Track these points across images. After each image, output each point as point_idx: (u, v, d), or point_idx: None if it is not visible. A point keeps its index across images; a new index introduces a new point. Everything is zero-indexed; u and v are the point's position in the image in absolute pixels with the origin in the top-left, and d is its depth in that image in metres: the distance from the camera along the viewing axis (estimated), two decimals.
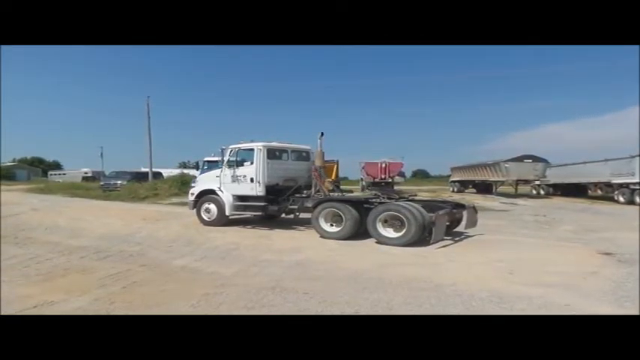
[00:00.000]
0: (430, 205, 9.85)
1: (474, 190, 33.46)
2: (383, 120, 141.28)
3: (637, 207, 20.04)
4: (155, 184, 26.32)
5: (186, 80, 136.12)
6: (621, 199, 22.37)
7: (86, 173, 55.20)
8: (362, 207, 9.79)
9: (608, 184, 24.25)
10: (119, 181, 28.50)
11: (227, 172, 11.75)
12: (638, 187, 21.22)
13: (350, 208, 9.70)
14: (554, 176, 29.00)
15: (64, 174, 59.38)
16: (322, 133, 11.81)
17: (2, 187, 32.73)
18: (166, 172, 34.61)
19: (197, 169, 17.27)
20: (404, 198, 10.54)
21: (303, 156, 12.61)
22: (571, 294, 5.27)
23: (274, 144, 11.91)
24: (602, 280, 6.02)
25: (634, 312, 4.59)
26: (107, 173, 39.76)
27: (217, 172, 12.14)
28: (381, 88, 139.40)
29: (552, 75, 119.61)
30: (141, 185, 25.76)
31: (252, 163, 11.36)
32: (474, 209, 10.96)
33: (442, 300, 5.05)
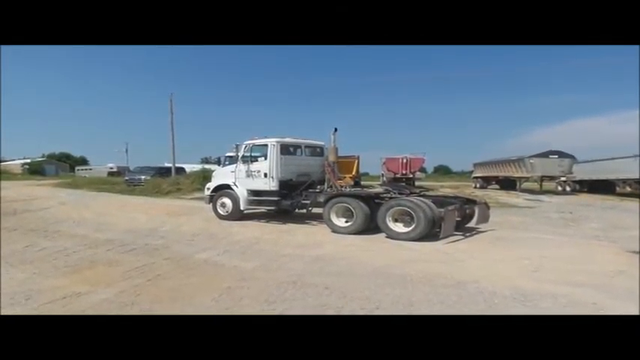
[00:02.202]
0: (440, 201, 9.84)
1: (497, 187, 32.85)
2: (405, 116, 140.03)
3: None
4: (178, 179, 26.66)
5: (209, 78, 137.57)
6: None
7: (111, 168, 56.43)
8: (373, 202, 9.86)
9: (638, 181, 23.48)
10: (143, 177, 28.95)
11: (242, 167, 11.93)
12: None
13: (361, 203, 9.76)
14: (581, 172, 28.20)
15: (91, 169, 60.85)
16: (336, 129, 11.86)
17: (33, 181, 33.83)
18: (189, 168, 35.06)
19: (219, 165, 17.47)
20: (415, 193, 10.51)
21: (317, 152, 12.67)
22: (598, 293, 5.14)
23: (288, 140, 12.00)
24: (630, 279, 5.84)
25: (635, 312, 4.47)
26: (132, 168, 40.50)
27: (232, 167, 12.34)
28: (403, 83, 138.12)
29: (579, 69, 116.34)
30: (164, 180, 26.14)
31: (265, 158, 11.49)
32: (486, 205, 10.84)
33: (464, 297, 5.00)
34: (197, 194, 21.35)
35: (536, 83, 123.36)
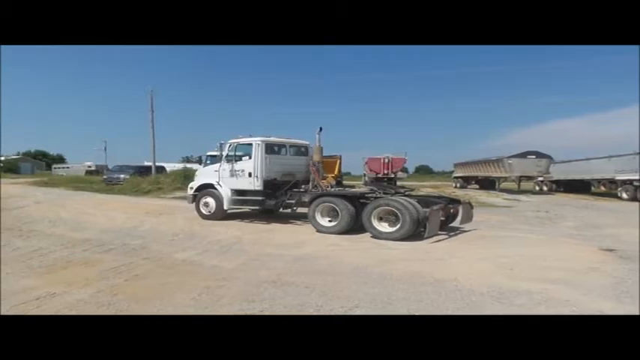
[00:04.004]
0: (425, 200, 9.89)
1: (477, 187, 33.39)
2: (387, 116, 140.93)
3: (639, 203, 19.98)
4: (158, 179, 26.35)
5: (190, 75, 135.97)
6: (624, 195, 22.32)
7: (90, 167, 55.41)
8: (358, 202, 9.85)
9: (612, 181, 24.16)
10: (122, 175, 28.53)
11: (226, 166, 11.82)
12: None
13: (346, 202, 9.75)
14: (558, 173, 28.91)
15: (68, 167, 59.68)
16: (321, 129, 11.85)
17: (8, 180, 32.91)
18: (169, 167, 34.66)
19: (200, 164, 17.31)
20: (400, 193, 10.56)
21: (301, 151, 12.63)
22: (571, 290, 5.27)
23: (272, 139, 11.94)
24: (603, 276, 6.01)
25: (634, 309, 4.59)
26: (110, 167, 39.82)
27: (216, 166, 12.23)
28: (385, 83, 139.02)
29: (557, 71, 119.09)
30: (144, 179, 25.80)
31: (250, 157, 11.41)
32: (470, 205, 10.96)
33: (442, 295, 5.07)
34: (178, 193, 21.15)
35: (517, 85, 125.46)
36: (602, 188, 26.08)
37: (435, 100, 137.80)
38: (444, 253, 7.65)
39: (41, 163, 71.41)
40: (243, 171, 11.54)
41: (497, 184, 30.19)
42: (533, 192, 29.39)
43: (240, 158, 11.64)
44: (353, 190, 11.21)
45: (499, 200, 21.52)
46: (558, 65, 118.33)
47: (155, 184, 24.34)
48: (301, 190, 11.36)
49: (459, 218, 10.53)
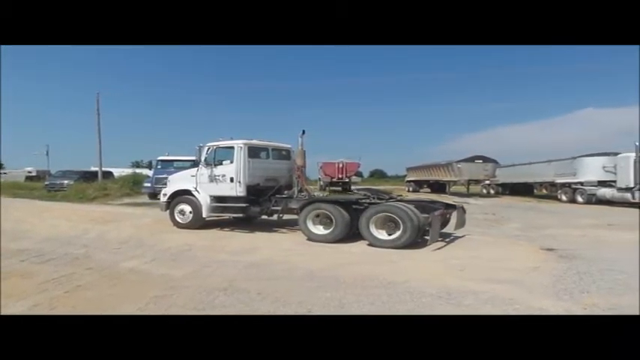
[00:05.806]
0: (422, 206, 9.49)
1: (429, 190, 34.37)
2: (342, 120, 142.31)
3: (577, 205, 21.30)
4: (105, 184, 25.28)
5: (139, 77, 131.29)
6: (564, 197, 23.72)
7: (30, 172, 52.25)
8: (351, 208, 9.40)
9: (552, 184, 25.66)
10: (66, 181, 27.19)
11: (204, 171, 11.11)
12: (579, 187, 22.54)
13: (340, 209, 9.24)
14: (503, 176, 30.33)
15: (5, 173, 55.90)
16: (304, 131, 11.29)
17: None
18: (118, 172, 33.31)
19: (150, 169, 16.76)
20: (393, 198, 10.29)
21: (283, 155, 12.16)
22: (515, 289, 5.49)
23: (255, 142, 11.35)
24: (544, 275, 6.32)
25: (570, 305, 4.83)
26: (53, 172, 37.79)
27: (193, 171, 11.52)
28: (339, 88, 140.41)
29: (505, 77, 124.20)
30: (90, 185, 24.64)
31: (231, 161, 10.82)
32: (463, 209, 10.61)
33: (393, 297, 5.14)
34: (127, 200, 20.36)
35: (468, 91, 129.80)
36: (544, 191, 27.67)
37: (386, 105, 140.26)
38: (396, 256, 7.76)
39: None
40: (224, 176, 10.85)
41: (447, 187, 31.24)
42: (480, 195, 30.64)
43: (220, 162, 10.99)
44: (347, 195, 10.91)
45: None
46: (502, 72, 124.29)
47: (102, 190, 23.29)
48: (284, 195, 10.95)
49: (453, 223, 10.19)
